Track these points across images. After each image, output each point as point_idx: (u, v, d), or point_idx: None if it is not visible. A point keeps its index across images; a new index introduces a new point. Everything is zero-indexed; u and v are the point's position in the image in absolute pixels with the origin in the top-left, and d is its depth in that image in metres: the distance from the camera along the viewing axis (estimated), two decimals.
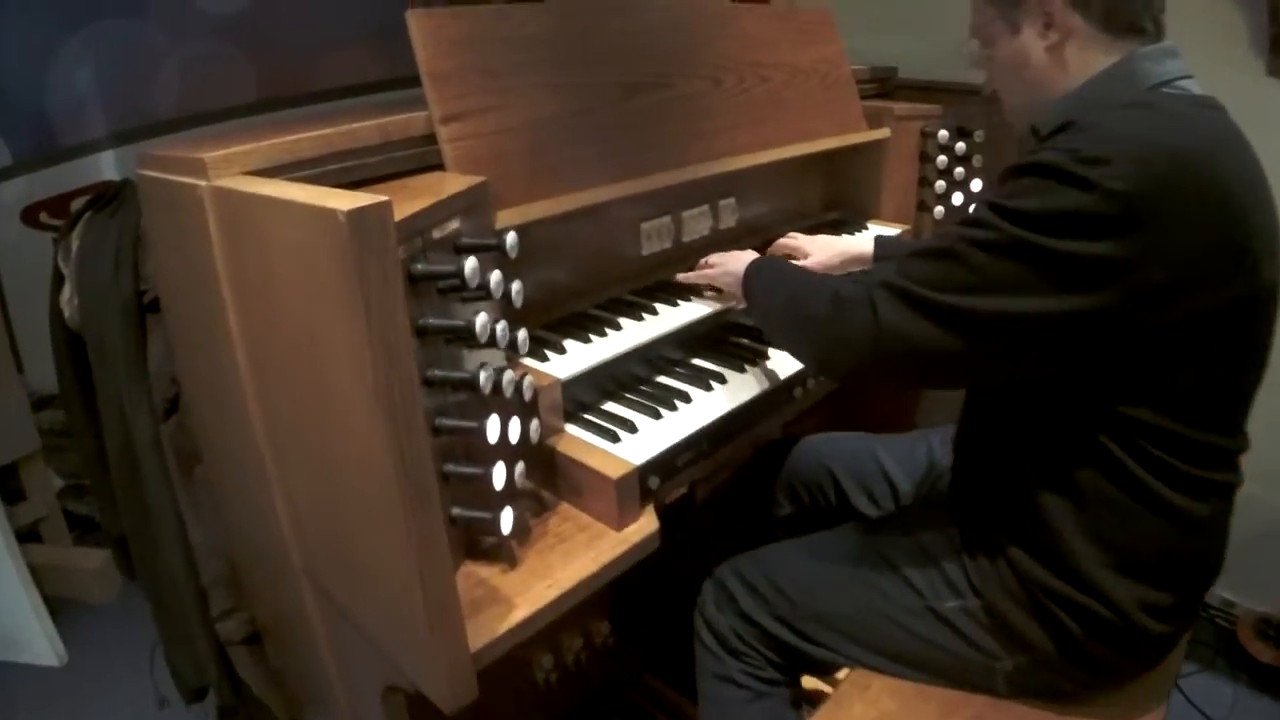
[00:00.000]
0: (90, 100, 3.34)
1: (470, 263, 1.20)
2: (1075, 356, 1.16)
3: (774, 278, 1.62)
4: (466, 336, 1.22)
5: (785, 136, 2.24)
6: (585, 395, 1.67)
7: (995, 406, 1.42)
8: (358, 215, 0.95)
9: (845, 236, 2.13)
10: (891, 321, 1.20)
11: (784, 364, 1.81)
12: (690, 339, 1.88)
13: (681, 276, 1.99)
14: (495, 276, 1.27)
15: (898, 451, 1.99)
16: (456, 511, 1.33)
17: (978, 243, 1.14)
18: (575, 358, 1.65)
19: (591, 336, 1.74)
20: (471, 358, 1.34)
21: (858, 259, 1.99)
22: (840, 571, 1.61)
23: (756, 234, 2.36)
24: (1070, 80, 1.27)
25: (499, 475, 1.30)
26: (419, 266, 1.19)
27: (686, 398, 1.70)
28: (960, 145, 2.57)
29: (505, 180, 1.62)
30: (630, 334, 1.77)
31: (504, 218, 1.56)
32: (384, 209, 0.96)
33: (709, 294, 1.93)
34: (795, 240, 2.09)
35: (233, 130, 1.75)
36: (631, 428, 1.58)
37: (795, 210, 2.54)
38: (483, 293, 1.26)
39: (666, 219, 2.08)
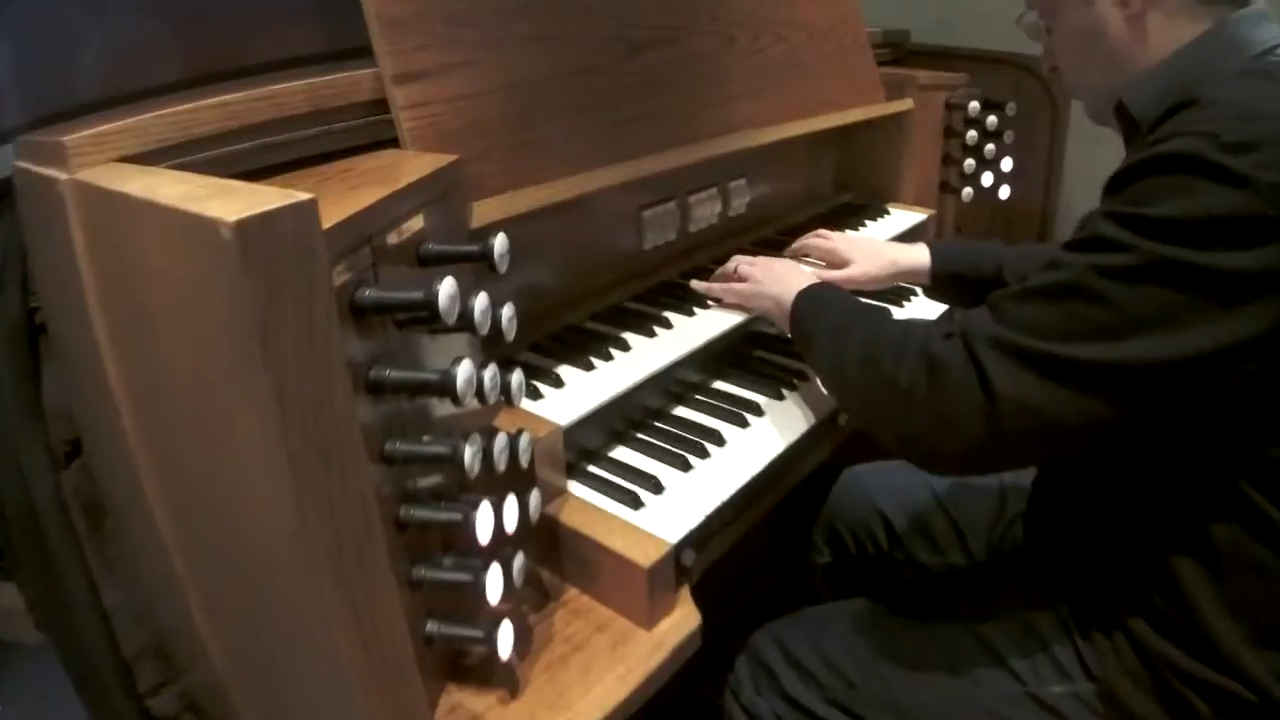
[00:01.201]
0: None
1: (446, 286, 0.77)
2: (1242, 393, 0.92)
3: (836, 318, 1.21)
4: (440, 392, 0.80)
5: (805, 107, 1.84)
6: (590, 440, 1.25)
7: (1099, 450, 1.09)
8: (255, 226, 0.53)
9: (891, 242, 1.71)
10: (1011, 393, 0.93)
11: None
12: (709, 355, 1.46)
13: (700, 287, 1.57)
14: (480, 302, 0.85)
15: (961, 486, 1.60)
16: (433, 628, 0.91)
17: (1109, 270, 0.89)
18: (577, 393, 1.23)
19: (594, 361, 1.32)
20: (446, 419, 0.92)
21: (911, 271, 1.61)
22: (916, 649, 1.26)
23: (768, 222, 1.96)
24: (1153, 53, 1.05)
25: (493, 583, 0.88)
26: (366, 294, 0.76)
27: (718, 438, 1.29)
28: (991, 119, 2.19)
29: (481, 160, 1.19)
30: (641, 356, 1.35)
31: (483, 212, 1.13)
32: (302, 213, 0.55)
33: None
34: (828, 240, 1.67)
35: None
36: (655, 485, 1.17)
37: (806, 193, 2.14)
38: (463, 324, 0.84)
39: (671, 205, 1.66)
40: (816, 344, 1.22)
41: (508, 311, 0.93)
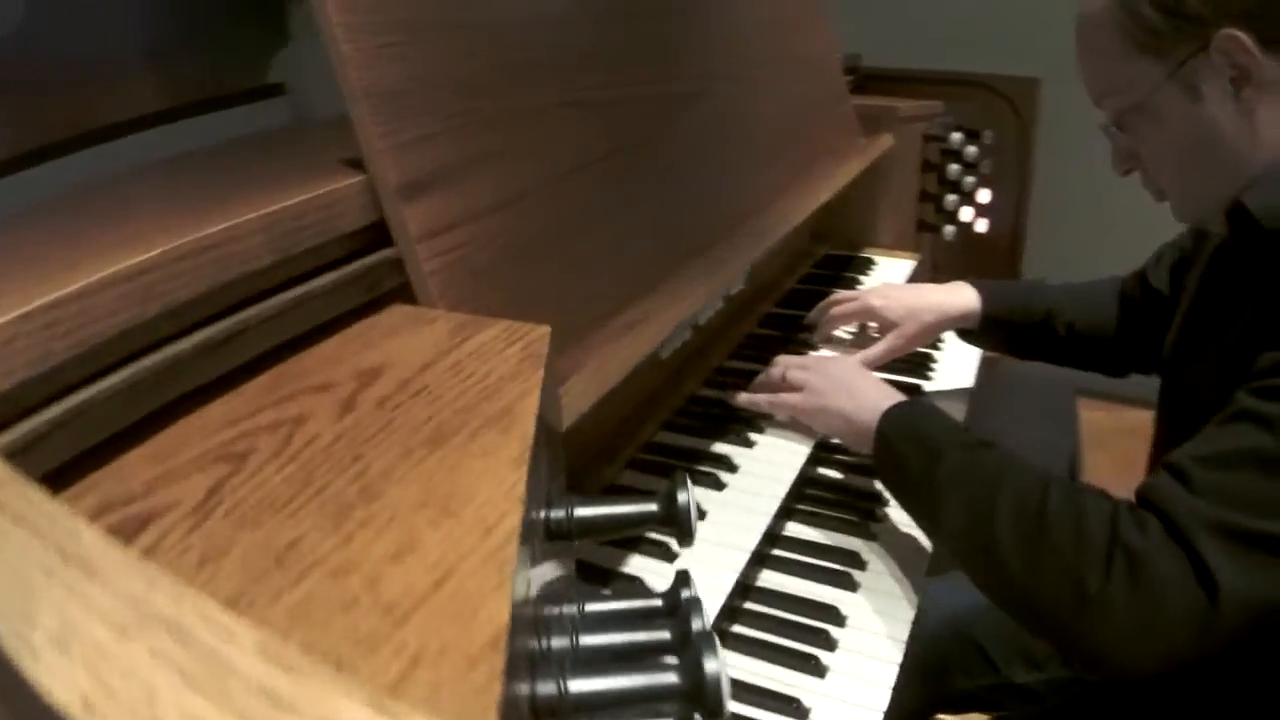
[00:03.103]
0: None
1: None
2: None
3: (955, 463, 0.88)
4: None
5: (818, 158, 1.45)
6: None
7: None
8: None
9: (924, 285, 1.38)
10: (1243, 590, 0.74)
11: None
12: None
13: (744, 399, 1.19)
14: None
15: None
16: None
17: None
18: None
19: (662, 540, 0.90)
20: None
21: (960, 318, 1.32)
22: None
23: (765, 295, 1.58)
24: (1267, 147, 0.86)
25: None
26: None
27: (836, 616, 0.91)
28: (971, 149, 1.88)
29: (536, 305, 0.74)
30: (724, 526, 0.95)
31: (571, 402, 0.67)
32: None
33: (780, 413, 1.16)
34: (856, 302, 1.36)
35: None
36: (797, 710, 0.77)
37: (788, 250, 1.77)
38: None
39: None
40: (930, 498, 0.91)
41: None
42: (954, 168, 1.89)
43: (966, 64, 2.12)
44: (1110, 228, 2.25)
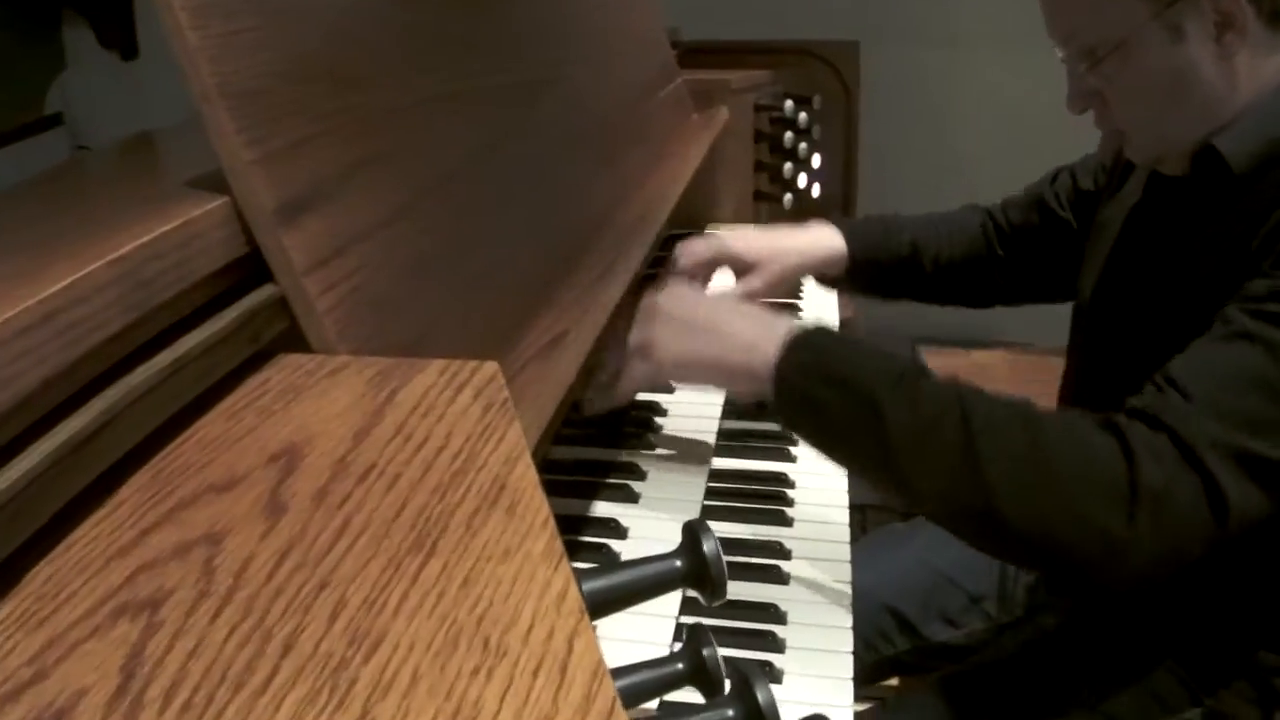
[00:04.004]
0: None
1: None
2: None
3: (903, 417, 0.75)
4: None
5: (666, 139, 1.38)
6: None
7: None
8: None
9: (781, 228, 1.25)
10: (1243, 511, 0.73)
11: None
12: None
13: (592, 407, 0.98)
14: None
15: (951, 547, 1.28)
16: None
17: None
18: None
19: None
20: None
21: (824, 261, 1.20)
22: None
23: None
24: (1241, 95, 0.88)
25: None
26: None
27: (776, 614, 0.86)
28: (803, 116, 1.88)
29: (448, 334, 0.62)
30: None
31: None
32: None
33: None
34: (708, 246, 1.16)
35: None
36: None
37: None
38: None
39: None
40: (883, 458, 0.77)
41: None
42: (789, 135, 1.88)
43: (783, 31, 2.11)
44: (936, 186, 2.33)
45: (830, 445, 0.84)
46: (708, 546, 0.42)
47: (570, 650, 0.28)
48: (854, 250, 1.19)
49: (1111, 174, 1.08)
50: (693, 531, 0.44)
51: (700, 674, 0.44)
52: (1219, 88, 0.86)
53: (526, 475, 0.37)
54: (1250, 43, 0.85)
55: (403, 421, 0.44)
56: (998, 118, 2.28)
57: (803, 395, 0.80)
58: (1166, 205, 0.95)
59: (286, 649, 0.32)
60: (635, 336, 0.90)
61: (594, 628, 0.29)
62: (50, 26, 1.39)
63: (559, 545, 0.33)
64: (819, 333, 0.85)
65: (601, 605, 0.41)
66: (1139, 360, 0.83)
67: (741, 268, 1.16)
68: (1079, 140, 1.18)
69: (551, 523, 0.34)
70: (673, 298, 0.90)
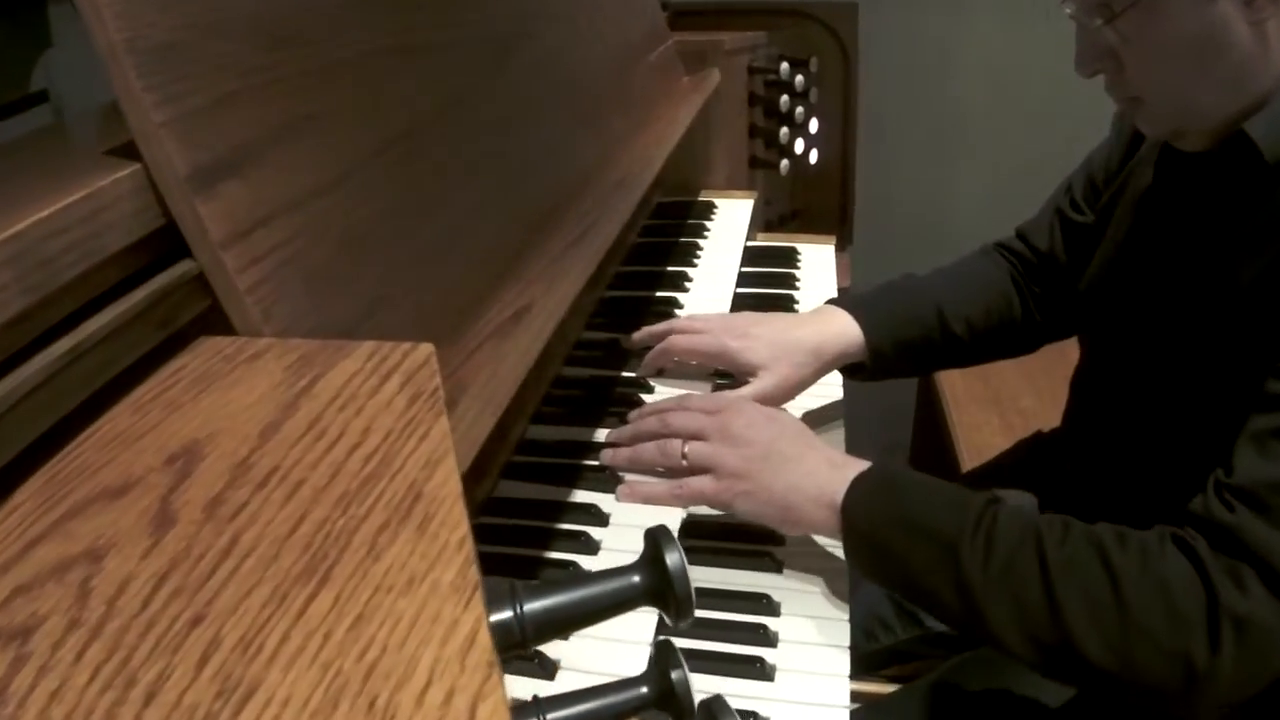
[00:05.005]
0: None
1: None
2: None
3: (977, 559, 0.73)
4: None
5: (653, 100, 1.32)
6: None
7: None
8: None
9: (787, 315, 1.13)
10: None
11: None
12: None
13: (626, 489, 0.87)
14: None
15: None
16: None
17: None
18: None
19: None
20: None
21: (840, 356, 1.03)
22: None
23: (610, 255, 1.43)
24: (1271, 68, 0.78)
25: None
26: None
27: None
28: (799, 79, 1.81)
29: (388, 308, 0.57)
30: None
31: (467, 430, 0.51)
32: None
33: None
34: (705, 336, 1.01)
35: None
36: None
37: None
38: None
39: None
40: (961, 602, 0.74)
41: None
42: (784, 99, 1.81)
43: None
44: (937, 153, 2.26)
45: (901, 586, 0.81)
46: (671, 559, 0.37)
47: (473, 718, 0.23)
48: (874, 343, 1.02)
49: (1123, 165, 0.99)
50: (654, 541, 0.38)
51: (668, 700, 0.39)
52: (1251, 56, 0.77)
53: (447, 483, 0.32)
54: None
55: (317, 415, 0.38)
56: (1000, 83, 2.20)
57: (873, 540, 0.78)
58: (1182, 188, 0.87)
59: (149, 697, 0.27)
60: (702, 451, 0.84)
61: (502, 682, 0.23)
62: (36, 4, 1.36)
63: (474, 574, 0.27)
64: (887, 473, 0.81)
65: (545, 629, 0.36)
66: (1157, 352, 0.78)
67: (741, 369, 1.00)
68: (1082, 107, 1.11)
69: (468, 544, 0.29)
70: (742, 418, 0.85)
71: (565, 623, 0.36)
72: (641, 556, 0.39)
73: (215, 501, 0.34)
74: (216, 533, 0.32)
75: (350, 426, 0.37)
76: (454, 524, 0.30)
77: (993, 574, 0.72)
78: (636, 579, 0.38)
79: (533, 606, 0.36)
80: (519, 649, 0.36)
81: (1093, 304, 0.98)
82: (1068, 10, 0.82)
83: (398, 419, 0.37)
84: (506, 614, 0.35)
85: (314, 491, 0.33)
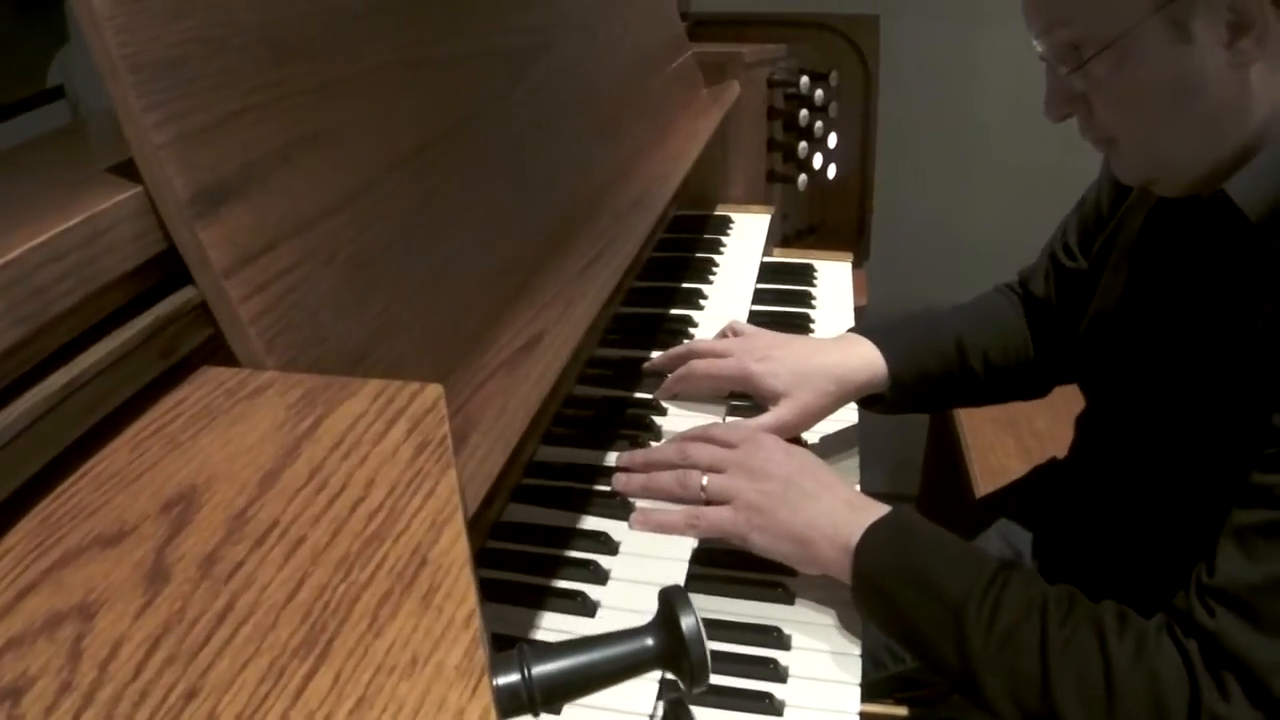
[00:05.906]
0: None
1: None
2: None
3: (980, 629, 0.73)
4: None
5: (672, 113, 1.30)
6: None
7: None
8: None
9: (810, 339, 1.13)
10: None
11: None
12: None
13: (640, 523, 0.85)
14: None
15: None
16: None
17: None
18: None
19: None
20: None
21: (864, 386, 1.01)
22: None
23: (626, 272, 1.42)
24: (1250, 116, 0.73)
25: None
26: None
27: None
28: (819, 93, 1.79)
29: (398, 338, 0.55)
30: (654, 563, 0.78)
31: (478, 468, 0.49)
32: None
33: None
34: (726, 360, 1.00)
35: None
36: None
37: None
38: None
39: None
40: (959, 665, 0.74)
41: None
42: (804, 113, 1.79)
43: (798, 4, 2.02)
44: (957, 168, 2.24)
45: (902, 638, 0.80)
46: (686, 622, 0.35)
47: None
48: (898, 373, 0.99)
49: (1115, 207, 0.96)
50: (668, 602, 0.37)
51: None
52: (1229, 103, 0.73)
53: (454, 548, 0.30)
54: (1269, 53, 0.70)
55: (319, 463, 0.36)
56: (1021, 96, 2.17)
57: (881, 589, 0.77)
58: (1172, 240, 0.84)
59: None
60: (721, 484, 0.83)
61: None
62: (52, 0, 1.38)
63: (481, 656, 0.26)
64: (904, 521, 0.80)
65: (554, 693, 0.34)
66: (1154, 402, 0.78)
67: (763, 394, 0.98)
68: None
69: (476, 620, 0.27)
70: (763, 451, 0.85)
71: (575, 687, 0.34)
72: (655, 618, 0.37)
73: (210, 559, 0.32)
74: (212, 594, 0.30)
75: (354, 477, 0.35)
76: (460, 596, 0.28)
77: (993, 641, 0.72)
78: (650, 642, 0.36)
79: (541, 670, 0.34)
80: (527, 713, 0.34)
81: (1089, 352, 0.95)
82: (1038, 49, 0.78)
83: (403, 471, 0.35)
84: (514, 678, 0.33)
85: (314, 551, 0.31)
